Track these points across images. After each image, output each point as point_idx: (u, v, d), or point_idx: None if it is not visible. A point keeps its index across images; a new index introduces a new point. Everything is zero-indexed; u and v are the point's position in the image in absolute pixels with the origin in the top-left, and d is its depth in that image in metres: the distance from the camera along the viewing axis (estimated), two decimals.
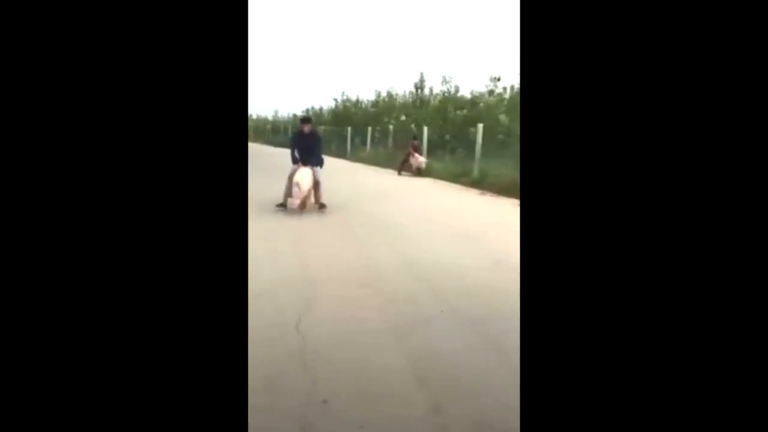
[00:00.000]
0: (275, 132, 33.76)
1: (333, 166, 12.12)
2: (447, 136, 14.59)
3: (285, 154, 6.89)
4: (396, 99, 22.04)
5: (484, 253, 4.66)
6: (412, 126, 16.35)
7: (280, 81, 74.46)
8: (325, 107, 29.03)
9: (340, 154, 19.29)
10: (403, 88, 23.81)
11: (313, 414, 1.96)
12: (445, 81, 18.54)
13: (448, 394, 2.13)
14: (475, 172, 10.67)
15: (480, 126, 11.43)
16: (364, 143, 19.01)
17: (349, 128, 20.46)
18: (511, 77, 20.16)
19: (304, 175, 6.49)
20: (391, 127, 18.04)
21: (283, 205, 6.67)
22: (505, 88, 15.73)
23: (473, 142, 11.50)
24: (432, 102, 18.91)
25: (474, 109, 15.43)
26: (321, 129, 23.06)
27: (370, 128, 19.02)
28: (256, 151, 18.51)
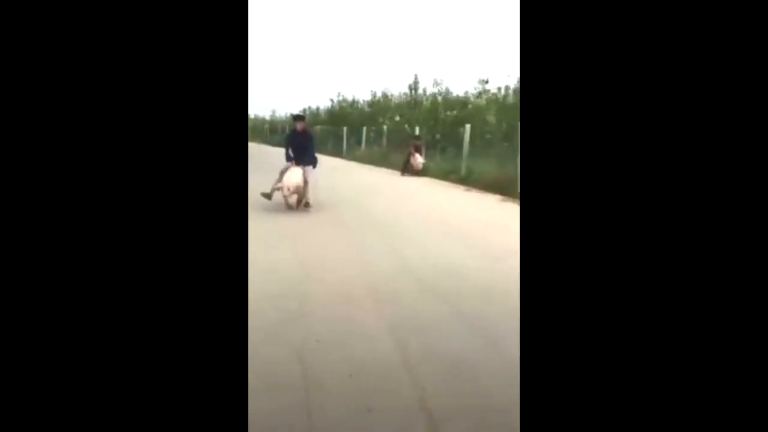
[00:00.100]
0: (273, 132, 34.11)
1: (329, 165, 12.75)
2: (438, 136, 15.18)
3: (282, 153, 7.38)
4: (391, 99, 22.61)
5: (454, 236, 5.26)
6: (406, 126, 17.00)
7: (278, 81, 74.85)
8: (322, 107, 29.62)
9: (336, 153, 19.96)
10: (398, 88, 24.33)
11: None
12: (436, 83, 19.20)
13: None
14: (463, 170, 11.28)
15: (468, 126, 12.07)
16: (360, 143, 19.65)
17: (345, 128, 21.08)
18: (501, 78, 20.70)
19: (294, 175, 6.68)
20: (385, 127, 18.67)
21: (268, 195, 6.84)
22: (499, 88, 16.36)
23: (463, 142, 12.13)
24: (424, 103, 19.55)
25: (464, 110, 16.07)
26: (318, 128, 23.74)
27: (365, 128, 19.65)
28: (254, 150, 18.96)
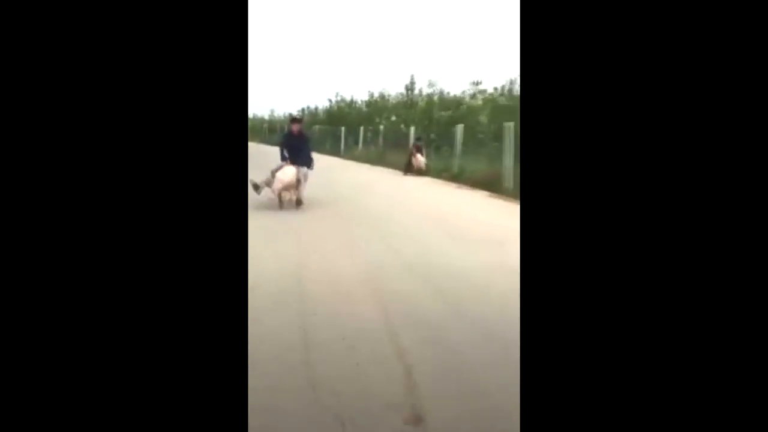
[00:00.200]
0: (272, 131, 34.26)
1: (327, 164, 13.24)
2: (432, 135, 15.65)
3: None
4: (388, 100, 23.07)
5: (436, 226, 5.74)
6: (402, 126, 17.49)
7: (276, 81, 75.18)
8: (321, 107, 30.04)
9: (334, 152, 20.45)
10: (396, 89, 24.72)
11: None
12: (431, 84, 19.73)
13: None
14: (455, 168, 11.77)
15: (460, 126, 12.56)
16: (357, 142, 20.13)
17: (343, 128, 21.57)
18: (494, 79, 21.21)
19: (287, 172, 6.72)
20: (381, 127, 19.16)
21: (256, 186, 6.76)
22: (496, 89, 16.88)
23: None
24: (420, 103, 20.07)
25: (457, 110, 16.58)
26: (316, 128, 24.09)
27: (362, 128, 20.13)
28: (252, 150, 19.20)
